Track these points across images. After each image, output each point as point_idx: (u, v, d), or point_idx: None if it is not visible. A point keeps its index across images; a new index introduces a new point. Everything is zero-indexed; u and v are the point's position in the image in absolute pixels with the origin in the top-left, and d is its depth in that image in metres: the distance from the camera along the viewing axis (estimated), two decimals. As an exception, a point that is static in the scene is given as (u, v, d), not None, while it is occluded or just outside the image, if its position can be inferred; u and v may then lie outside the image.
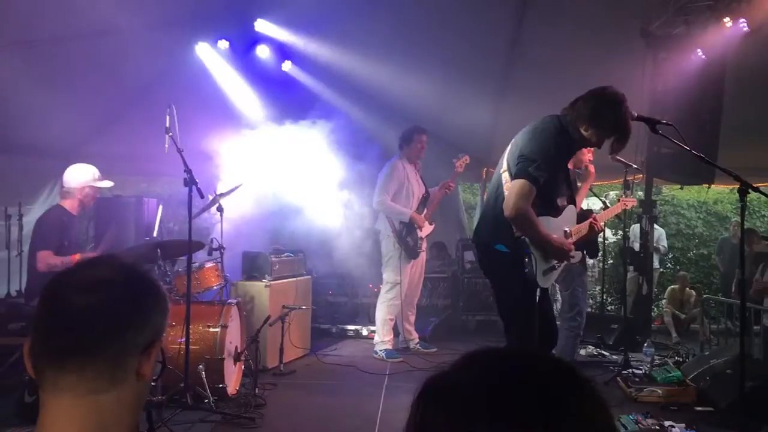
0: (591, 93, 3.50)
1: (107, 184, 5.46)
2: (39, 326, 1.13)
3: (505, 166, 3.59)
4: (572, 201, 3.90)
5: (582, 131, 3.51)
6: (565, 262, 3.74)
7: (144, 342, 1.16)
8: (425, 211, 6.65)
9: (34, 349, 1.12)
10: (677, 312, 8.73)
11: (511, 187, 3.43)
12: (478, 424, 0.75)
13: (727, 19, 6.55)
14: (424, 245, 6.80)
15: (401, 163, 6.58)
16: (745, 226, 4.00)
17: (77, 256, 5.05)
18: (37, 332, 1.13)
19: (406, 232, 6.50)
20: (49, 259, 4.98)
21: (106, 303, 1.12)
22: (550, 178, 3.45)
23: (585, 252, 4.71)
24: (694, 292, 9.21)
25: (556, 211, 3.70)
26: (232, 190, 5.65)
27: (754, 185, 3.41)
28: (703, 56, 6.85)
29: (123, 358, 1.12)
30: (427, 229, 6.70)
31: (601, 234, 5.54)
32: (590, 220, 4.05)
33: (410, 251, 6.53)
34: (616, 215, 5.62)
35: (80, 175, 5.25)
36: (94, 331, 1.10)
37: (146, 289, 1.20)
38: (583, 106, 3.49)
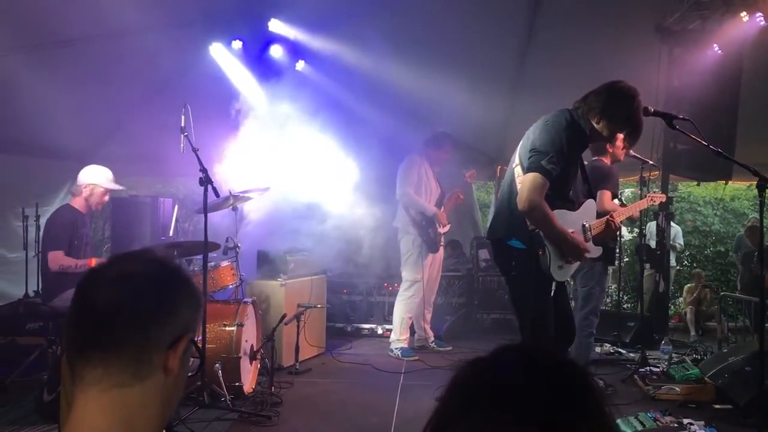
0: (603, 86, 3.53)
1: (116, 187, 5.48)
2: (69, 320, 1.15)
3: (517, 160, 3.58)
4: (591, 195, 3.88)
5: (594, 124, 3.51)
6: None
7: (170, 338, 1.15)
8: (442, 209, 6.70)
9: (66, 342, 1.15)
10: (692, 306, 8.69)
11: (523, 180, 3.42)
12: (480, 415, 0.81)
13: (743, 14, 6.49)
14: (442, 240, 6.82)
15: (420, 159, 6.61)
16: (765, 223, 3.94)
17: (93, 261, 5.08)
18: (67, 326, 1.15)
19: (427, 224, 6.52)
20: (60, 260, 5.01)
21: (129, 299, 1.13)
22: (563, 171, 3.44)
23: (605, 254, 4.58)
24: (708, 290, 9.16)
25: (572, 205, 3.69)
26: (262, 190, 5.65)
27: (774, 180, 3.38)
28: (720, 51, 6.79)
29: (147, 354, 1.13)
30: (444, 228, 6.71)
31: (617, 232, 5.37)
32: (607, 217, 4.00)
33: (431, 243, 6.53)
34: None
35: (89, 175, 5.35)
36: (116, 326, 1.11)
37: (172, 284, 1.20)
38: (594, 99, 3.50)
